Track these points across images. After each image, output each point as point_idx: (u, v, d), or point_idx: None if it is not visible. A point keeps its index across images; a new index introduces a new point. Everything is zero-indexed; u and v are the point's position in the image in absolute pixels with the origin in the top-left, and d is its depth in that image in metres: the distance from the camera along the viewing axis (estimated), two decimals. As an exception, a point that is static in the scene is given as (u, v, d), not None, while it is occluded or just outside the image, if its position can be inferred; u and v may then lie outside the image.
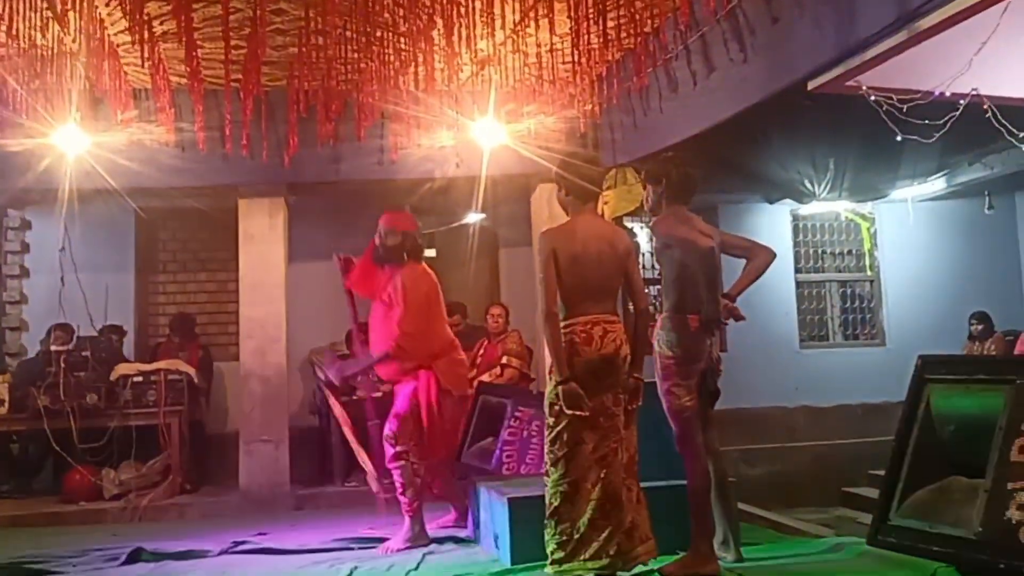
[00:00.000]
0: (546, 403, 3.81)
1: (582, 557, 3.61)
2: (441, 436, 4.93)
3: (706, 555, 3.87)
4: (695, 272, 3.97)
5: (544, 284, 3.78)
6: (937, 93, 5.09)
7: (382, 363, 4.90)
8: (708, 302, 3.97)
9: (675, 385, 3.96)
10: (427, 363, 4.89)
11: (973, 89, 5.28)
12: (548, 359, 3.84)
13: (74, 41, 5.46)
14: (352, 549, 4.85)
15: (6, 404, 6.67)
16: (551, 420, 3.74)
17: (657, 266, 4.53)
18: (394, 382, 5.04)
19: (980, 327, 8.52)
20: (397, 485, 4.87)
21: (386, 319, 4.89)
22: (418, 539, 4.82)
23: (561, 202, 4.08)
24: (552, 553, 3.66)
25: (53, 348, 6.87)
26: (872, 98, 5.04)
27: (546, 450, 3.79)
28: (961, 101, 5.34)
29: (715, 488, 4.07)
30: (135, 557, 4.74)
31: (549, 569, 3.67)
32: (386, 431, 4.89)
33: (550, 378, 3.78)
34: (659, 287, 5.02)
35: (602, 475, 3.65)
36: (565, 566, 3.63)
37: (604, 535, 3.60)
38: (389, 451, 4.86)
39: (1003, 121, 5.32)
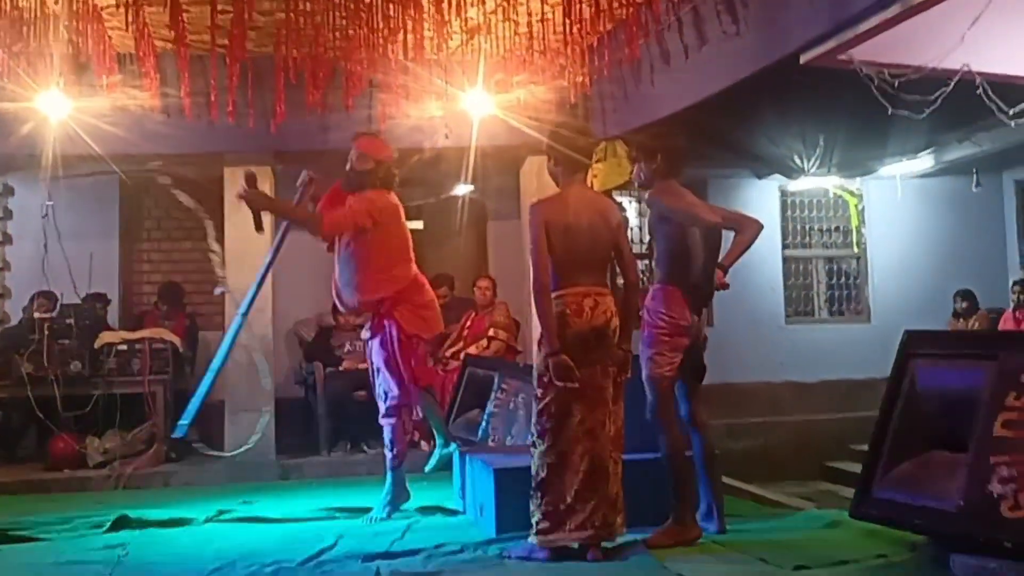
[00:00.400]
0: (535, 374, 3.81)
1: (568, 528, 3.63)
2: (415, 378, 4.80)
3: (689, 523, 3.92)
4: (694, 246, 3.99)
5: (536, 255, 3.76)
6: (929, 68, 5.08)
7: (298, 218, 4.69)
8: (704, 278, 3.98)
9: (658, 354, 3.98)
10: (388, 310, 4.72)
11: (964, 65, 5.27)
12: (537, 330, 3.83)
13: (57, 3, 5.36)
14: (337, 518, 4.86)
15: (-11, 371, 6.63)
16: (539, 391, 3.75)
17: (647, 238, 4.54)
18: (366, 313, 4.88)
19: (964, 304, 8.59)
20: (385, 441, 4.83)
21: (357, 251, 4.65)
22: (399, 497, 4.83)
23: (551, 172, 4.06)
24: (537, 523, 3.68)
25: (36, 315, 6.81)
26: (863, 72, 5.03)
27: (533, 421, 3.80)
28: (951, 78, 5.34)
29: (701, 460, 4.11)
30: (120, 524, 4.72)
31: (534, 539, 3.69)
32: (378, 384, 4.83)
33: (539, 350, 3.77)
34: (648, 259, 5.05)
35: (590, 447, 3.66)
36: (551, 536, 3.65)
37: (590, 506, 3.63)
38: (381, 405, 4.81)
39: (994, 97, 5.32)
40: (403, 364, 4.73)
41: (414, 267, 4.89)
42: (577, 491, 3.63)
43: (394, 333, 4.72)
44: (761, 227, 4.30)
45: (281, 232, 4.97)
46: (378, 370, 4.83)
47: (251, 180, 4.71)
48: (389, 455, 4.84)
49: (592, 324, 3.72)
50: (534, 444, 3.77)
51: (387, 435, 4.82)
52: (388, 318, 4.73)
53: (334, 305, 7.49)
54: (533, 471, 3.74)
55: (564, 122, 4.33)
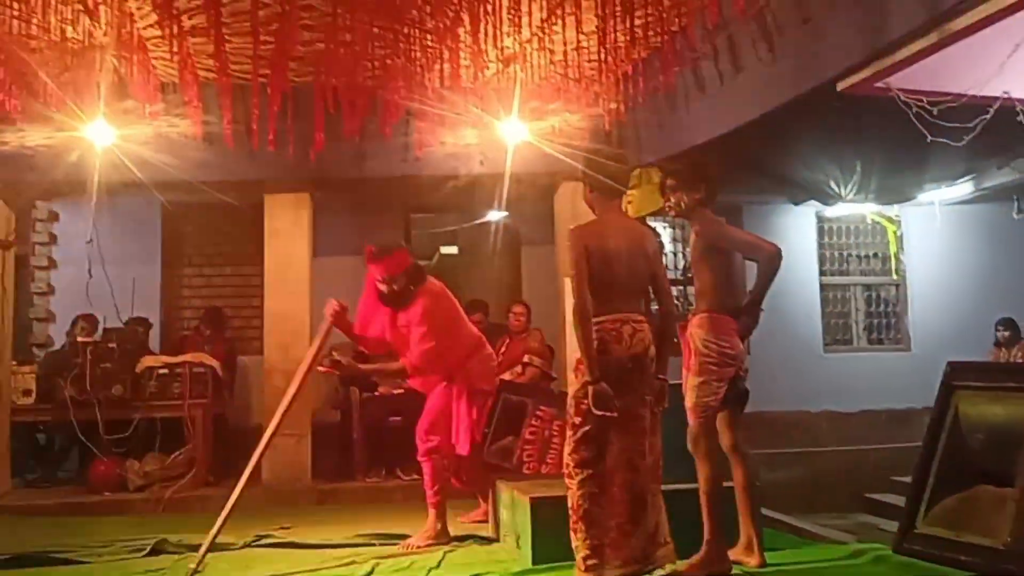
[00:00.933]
0: (571, 402, 3.79)
1: (615, 563, 3.58)
2: (468, 431, 4.95)
3: (719, 555, 3.86)
4: (738, 274, 4.06)
5: (577, 281, 3.77)
6: (968, 95, 5.03)
7: (391, 375, 4.90)
8: (751, 307, 4.01)
9: (704, 383, 3.96)
10: (457, 368, 4.95)
11: (1004, 92, 5.22)
12: (572, 357, 3.82)
13: (104, 34, 5.50)
14: (374, 545, 4.87)
15: (33, 394, 6.75)
16: (577, 420, 3.72)
17: (681, 264, 4.53)
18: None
19: (1007, 333, 8.42)
20: (426, 479, 4.93)
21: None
22: (440, 536, 4.84)
23: (587, 199, 4.07)
24: (585, 559, 3.62)
25: (79, 339, 6.94)
26: (901, 100, 5.00)
27: (568, 451, 3.77)
28: (991, 105, 5.29)
29: (741, 490, 4.06)
30: (160, 548, 4.78)
31: (581, 575, 3.64)
32: (420, 425, 4.95)
33: (577, 377, 3.76)
34: (683, 286, 5.04)
35: (630, 478, 3.63)
36: (598, 571, 3.59)
37: (633, 540, 3.59)
38: (421, 446, 4.92)
39: (1035, 125, 5.25)
40: (467, 416, 4.90)
41: (470, 326, 5.14)
42: (619, 523, 3.60)
43: (462, 386, 4.93)
44: (778, 254, 4.13)
45: (322, 334, 5.07)
46: (430, 411, 4.97)
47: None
48: (429, 494, 4.94)
49: (631, 352, 3.70)
50: (571, 475, 3.74)
51: (427, 473, 4.96)
52: (458, 373, 4.95)
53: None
54: (573, 503, 3.70)
55: (599, 149, 4.35)
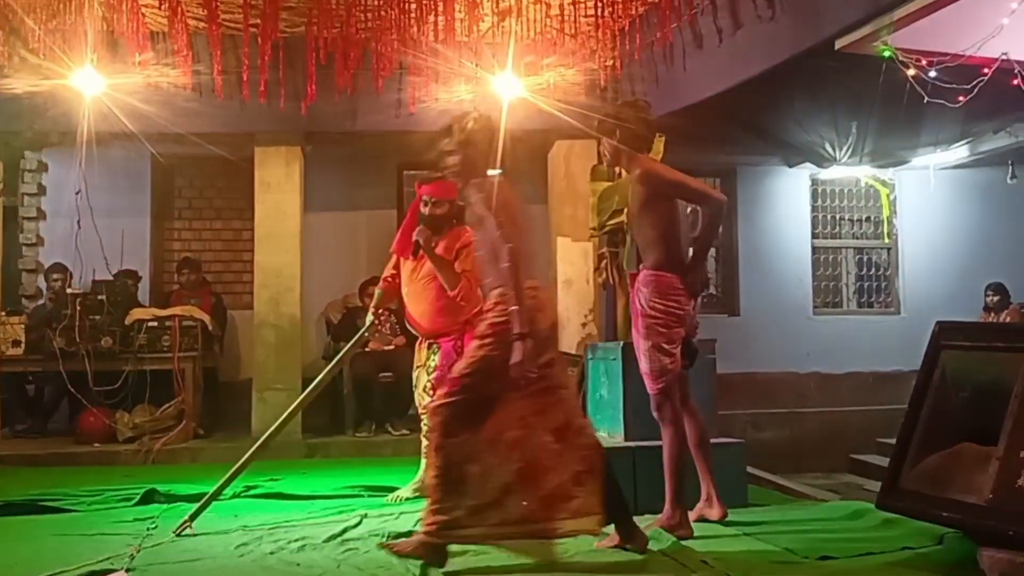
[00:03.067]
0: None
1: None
2: None
3: (681, 520, 3.83)
4: (683, 226, 3.89)
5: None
6: (966, 56, 5.01)
7: (449, 279, 4.78)
8: (701, 262, 3.93)
9: (654, 347, 3.84)
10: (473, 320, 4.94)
11: (1003, 54, 5.20)
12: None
13: (93, -19, 5.41)
14: (362, 496, 4.90)
15: (22, 345, 6.74)
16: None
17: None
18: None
19: (996, 298, 8.47)
20: (425, 429, 4.91)
21: (434, 284, 4.83)
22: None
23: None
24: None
25: (68, 291, 6.91)
26: (899, 59, 4.96)
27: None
28: (989, 66, 5.26)
29: (696, 446, 4.01)
30: (149, 498, 4.81)
31: None
32: (435, 378, 4.89)
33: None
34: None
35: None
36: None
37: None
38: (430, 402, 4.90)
39: (1033, 87, 5.23)
40: None
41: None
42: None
43: (452, 351, 4.84)
44: (724, 203, 3.94)
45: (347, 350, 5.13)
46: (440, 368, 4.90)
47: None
48: (426, 441, 4.90)
49: None
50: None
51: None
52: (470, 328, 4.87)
53: (361, 287, 7.57)
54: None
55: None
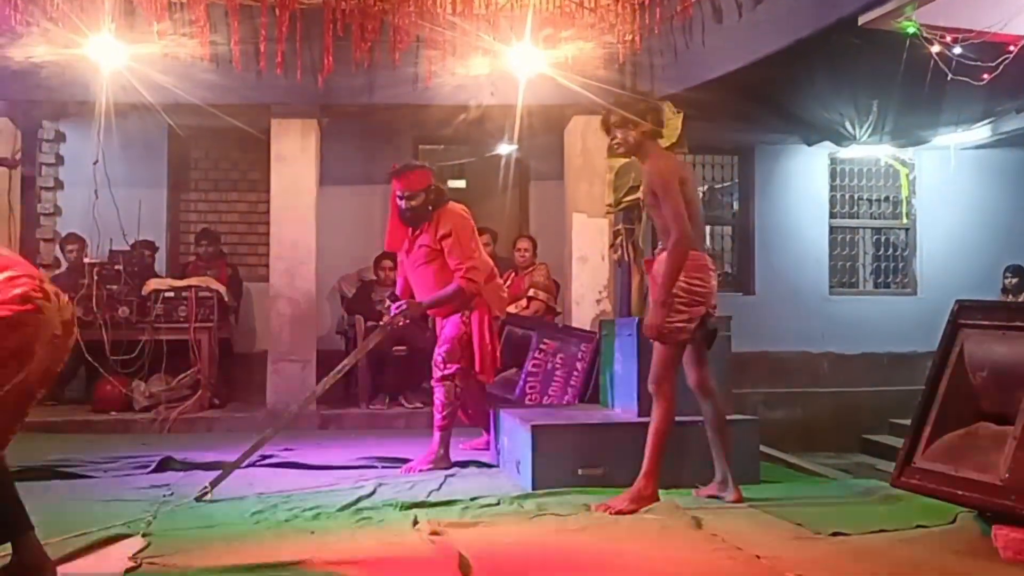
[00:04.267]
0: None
1: None
2: (492, 360, 5.06)
3: (652, 493, 3.86)
4: (698, 211, 3.99)
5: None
6: (991, 33, 4.93)
7: (451, 300, 4.93)
8: (654, 306, 3.94)
9: (670, 320, 3.88)
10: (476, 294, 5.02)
11: (1029, 30, 5.10)
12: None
13: (110, -51, 5.40)
14: (375, 467, 4.93)
15: (40, 314, 6.77)
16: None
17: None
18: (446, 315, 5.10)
19: (1015, 280, 8.40)
20: (436, 403, 4.98)
21: (430, 269, 4.97)
22: (441, 461, 4.90)
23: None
24: None
25: (86, 261, 6.95)
26: (923, 35, 4.89)
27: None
28: (1014, 44, 5.18)
29: (714, 429, 4.04)
30: (164, 465, 4.86)
31: None
32: (437, 353, 4.99)
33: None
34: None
35: None
36: None
37: None
38: (437, 372, 4.97)
39: (1058, 66, 5.15)
40: (488, 343, 4.99)
41: (486, 256, 5.21)
42: None
43: (482, 311, 4.99)
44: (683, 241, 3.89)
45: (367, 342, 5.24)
46: (448, 339, 4.98)
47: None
48: (437, 418, 4.97)
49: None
50: None
51: (439, 397, 4.97)
52: (476, 300, 4.99)
53: (376, 260, 7.58)
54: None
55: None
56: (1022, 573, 2.99)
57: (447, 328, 5.04)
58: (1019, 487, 3.11)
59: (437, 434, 4.96)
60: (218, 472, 4.37)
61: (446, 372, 4.94)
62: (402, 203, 4.96)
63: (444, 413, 4.95)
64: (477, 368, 4.99)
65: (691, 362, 4.06)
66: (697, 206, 4.02)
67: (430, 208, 4.94)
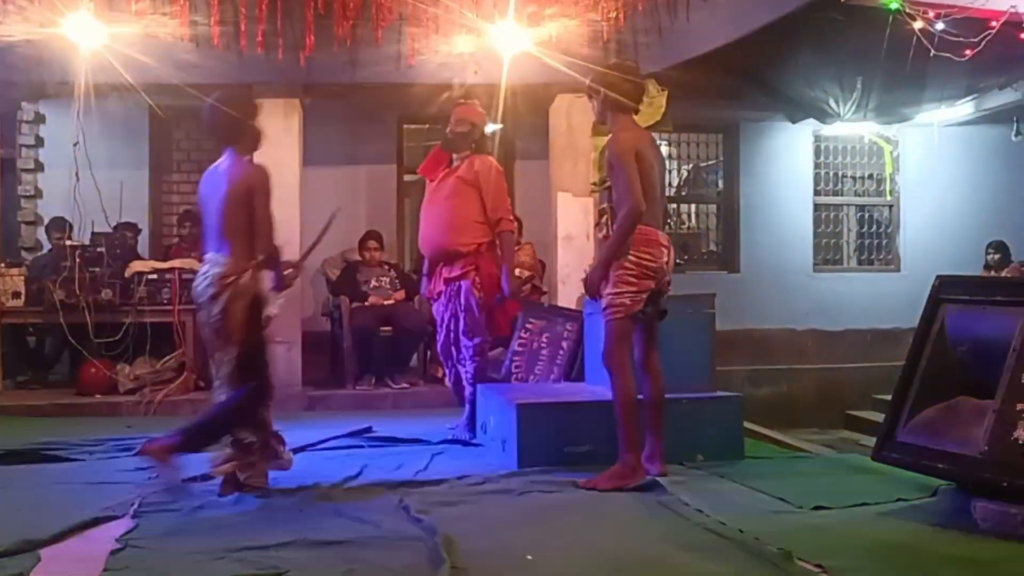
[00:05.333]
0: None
1: None
2: (499, 322, 5.33)
3: (633, 467, 3.89)
4: (654, 187, 3.95)
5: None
6: (974, 8, 4.94)
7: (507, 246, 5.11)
8: (663, 219, 3.99)
9: (619, 294, 3.92)
10: (473, 264, 5.11)
11: (1011, 7, 5.13)
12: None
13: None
14: (363, 447, 4.94)
15: (22, 296, 6.74)
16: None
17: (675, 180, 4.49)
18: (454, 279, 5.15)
19: (997, 256, 8.46)
20: (468, 377, 5.17)
21: (451, 204, 5.09)
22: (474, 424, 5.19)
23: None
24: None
25: (68, 243, 6.89)
26: (907, 11, 4.90)
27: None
28: (997, 20, 5.19)
29: (652, 406, 4.07)
30: (150, 448, 4.84)
31: None
32: (463, 329, 5.08)
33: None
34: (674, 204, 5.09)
35: None
36: None
37: None
38: (467, 352, 5.13)
39: (1040, 41, 5.16)
40: (486, 313, 5.14)
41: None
42: None
43: (472, 289, 5.08)
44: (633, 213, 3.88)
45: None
46: (467, 311, 5.05)
47: None
48: (469, 391, 5.18)
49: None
50: None
51: (472, 371, 5.16)
52: (471, 274, 5.08)
53: (361, 241, 7.55)
54: None
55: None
56: (1001, 544, 3.03)
57: (460, 300, 5.07)
58: (998, 460, 3.15)
59: (469, 406, 5.16)
60: (206, 453, 4.35)
61: (476, 342, 5.10)
62: (449, 128, 5.21)
63: (474, 387, 5.15)
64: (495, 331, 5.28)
65: (641, 339, 4.09)
66: (653, 181, 3.99)
67: (473, 144, 5.18)
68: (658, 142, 8.31)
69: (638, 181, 3.86)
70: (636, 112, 4.14)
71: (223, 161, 3.92)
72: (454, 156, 5.24)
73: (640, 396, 4.02)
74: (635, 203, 3.82)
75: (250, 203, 3.74)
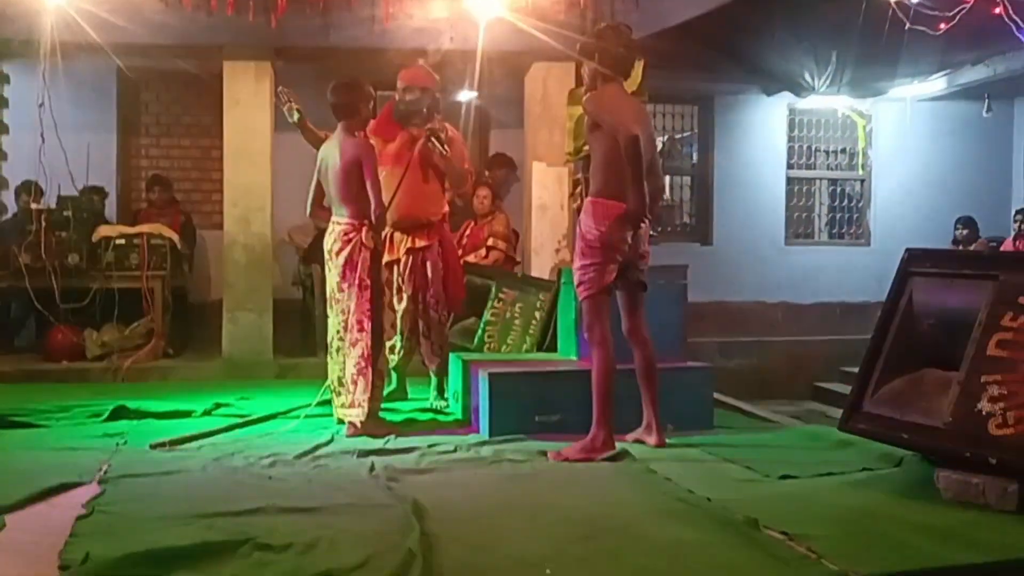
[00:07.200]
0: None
1: None
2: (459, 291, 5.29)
3: (603, 440, 3.91)
4: (620, 158, 3.83)
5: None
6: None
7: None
8: (633, 193, 3.83)
9: (584, 267, 3.93)
10: (438, 230, 5.10)
11: (986, -19, 5.13)
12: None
13: None
14: (332, 416, 4.92)
15: (-14, 261, 6.61)
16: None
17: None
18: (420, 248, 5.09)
19: (965, 232, 8.56)
20: (437, 348, 5.14)
21: (427, 171, 5.00)
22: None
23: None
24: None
25: (33, 207, 6.76)
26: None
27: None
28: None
29: (643, 376, 4.09)
30: (118, 414, 4.80)
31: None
32: (432, 298, 5.05)
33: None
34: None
35: None
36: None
37: None
38: (434, 320, 5.10)
39: (1014, 16, 5.19)
40: (454, 276, 5.16)
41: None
42: None
43: (442, 252, 5.11)
44: (632, 141, 3.82)
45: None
46: (435, 282, 5.04)
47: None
48: (439, 360, 5.20)
49: None
50: None
51: (440, 342, 5.18)
52: (439, 237, 5.09)
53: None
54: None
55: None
56: (962, 512, 3.09)
57: (430, 271, 5.01)
58: (961, 431, 3.20)
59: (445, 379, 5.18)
60: (175, 420, 4.34)
61: (442, 316, 5.08)
62: (400, 97, 5.03)
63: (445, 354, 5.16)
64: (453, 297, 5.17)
65: (624, 310, 4.11)
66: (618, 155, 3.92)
67: (424, 111, 4.95)
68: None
69: (626, 119, 3.86)
70: (627, 78, 4.12)
71: (337, 135, 4.57)
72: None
73: (631, 367, 4.06)
74: (626, 131, 3.78)
75: (360, 173, 4.35)
